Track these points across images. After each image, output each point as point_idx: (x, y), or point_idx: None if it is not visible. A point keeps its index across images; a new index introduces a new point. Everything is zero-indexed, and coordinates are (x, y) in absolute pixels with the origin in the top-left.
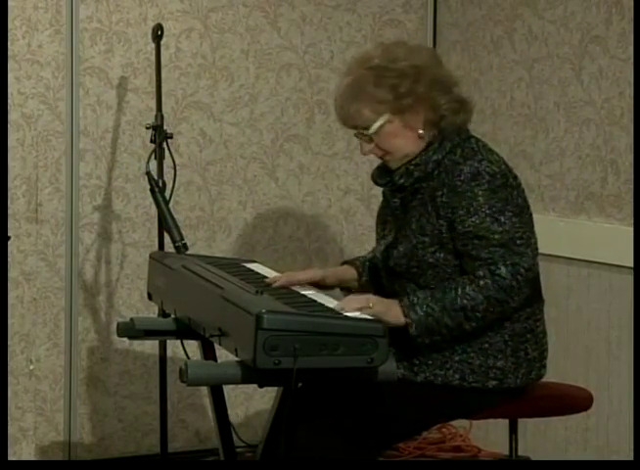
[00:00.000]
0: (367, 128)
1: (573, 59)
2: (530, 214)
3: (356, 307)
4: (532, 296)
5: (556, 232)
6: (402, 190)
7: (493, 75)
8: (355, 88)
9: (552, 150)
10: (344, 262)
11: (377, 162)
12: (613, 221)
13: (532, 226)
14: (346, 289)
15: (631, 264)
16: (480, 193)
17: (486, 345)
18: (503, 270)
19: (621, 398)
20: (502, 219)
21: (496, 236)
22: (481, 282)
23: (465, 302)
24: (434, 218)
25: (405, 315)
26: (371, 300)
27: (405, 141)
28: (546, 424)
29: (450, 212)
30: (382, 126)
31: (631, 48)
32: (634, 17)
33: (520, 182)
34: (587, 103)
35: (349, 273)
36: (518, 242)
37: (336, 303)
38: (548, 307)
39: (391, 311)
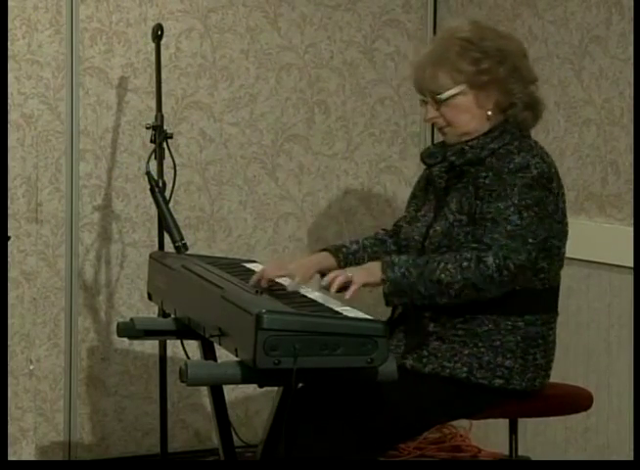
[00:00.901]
0: (439, 94)
1: (573, 59)
2: (560, 223)
3: (340, 283)
4: (550, 304)
5: None
6: (451, 169)
7: None
8: (438, 53)
9: (552, 150)
10: (325, 249)
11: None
12: (613, 221)
13: (560, 236)
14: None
15: (631, 264)
16: (519, 184)
17: (498, 342)
18: (490, 260)
19: (621, 398)
20: (525, 215)
21: (509, 227)
22: (465, 264)
23: (443, 276)
24: (473, 198)
25: (383, 271)
26: (349, 271)
27: (471, 118)
28: (546, 424)
29: (487, 194)
30: (454, 96)
31: (631, 48)
32: (634, 17)
33: (563, 192)
34: (587, 103)
35: (328, 262)
36: (529, 241)
37: (317, 292)
38: None
39: (372, 273)
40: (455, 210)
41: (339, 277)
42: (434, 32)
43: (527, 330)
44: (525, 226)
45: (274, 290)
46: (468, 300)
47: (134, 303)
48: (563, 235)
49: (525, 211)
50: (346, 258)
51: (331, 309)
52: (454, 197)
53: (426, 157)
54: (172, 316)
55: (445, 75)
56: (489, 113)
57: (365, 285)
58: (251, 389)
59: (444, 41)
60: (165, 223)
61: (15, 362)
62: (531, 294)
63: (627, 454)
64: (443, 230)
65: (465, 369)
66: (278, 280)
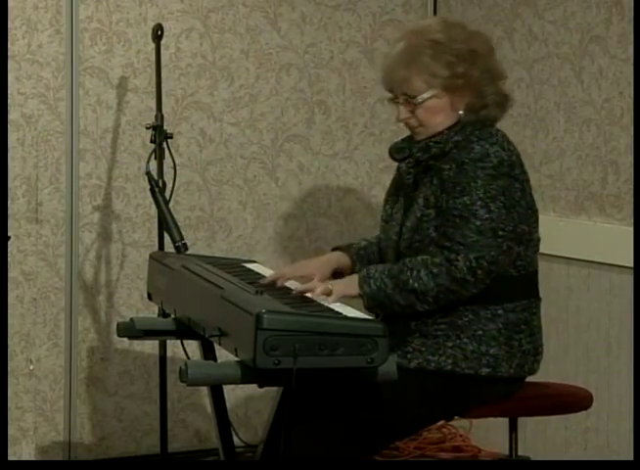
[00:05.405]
0: (413, 97)
1: (573, 59)
2: (528, 209)
3: (320, 293)
4: (529, 290)
5: (556, 232)
6: (417, 165)
7: None
8: (410, 55)
9: (552, 150)
10: (336, 248)
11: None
12: (613, 221)
13: (530, 222)
14: (339, 274)
15: (631, 264)
16: (482, 175)
17: (480, 332)
18: (461, 263)
19: (621, 398)
20: (492, 207)
21: (477, 222)
22: (435, 270)
23: (416, 285)
24: (438, 191)
25: (360, 286)
26: (330, 283)
27: (444, 119)
28: (546, 424)
29: (451, 187)
30: (428, 99)
31: (631, 48)
32: (634, 17)
33: (527, 178)
34: (587, 103)
35: (343, 260)
36: (500, 233)
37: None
38: (548, 307)
39: (351, 285)
40: (422, 205)
41: (319, 288)
42: None
43: (508, 317)
44: (495, 218)
45: (274, 290)
46: (448, 303)
47: (134, 303)
48: (532, 220)
49: (491, 202)
50: (358, 253)
51: (331, 309)
52: (421, 192)
53: (394, 152)
54: (172, 316)
55: (419, 79)
56: (461, 112)
57: (345, 296)
58: (252, 389)
59: (415, 43)
60: (165, 223)
61: (15, 362)
62: (508, 281)
63: (627, 454)
64: (413, 226)
65: (450, 361)
66: (287, 283)
